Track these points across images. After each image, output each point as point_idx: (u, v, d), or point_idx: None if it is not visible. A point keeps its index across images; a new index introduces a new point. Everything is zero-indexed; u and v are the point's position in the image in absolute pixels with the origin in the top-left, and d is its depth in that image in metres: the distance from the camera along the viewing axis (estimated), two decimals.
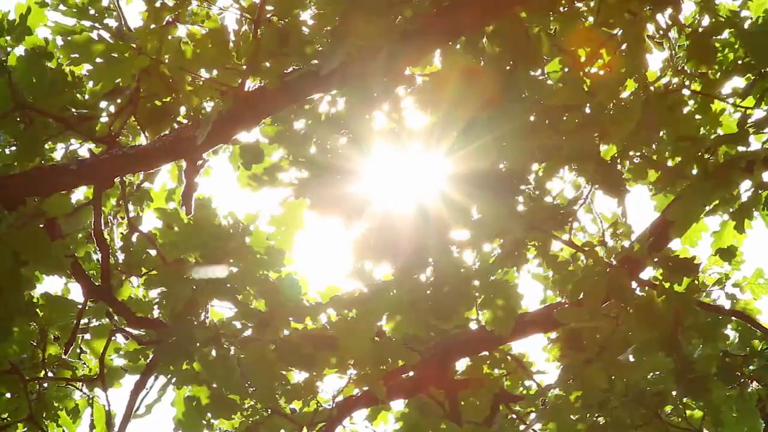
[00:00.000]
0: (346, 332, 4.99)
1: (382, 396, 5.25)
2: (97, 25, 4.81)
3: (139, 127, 5.28)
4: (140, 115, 5.17)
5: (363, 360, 5.14)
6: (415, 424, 5.72)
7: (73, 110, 5.17)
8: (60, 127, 5.11)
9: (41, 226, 4.96)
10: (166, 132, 5.05)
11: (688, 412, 5.18)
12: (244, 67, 4.57)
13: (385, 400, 5.45)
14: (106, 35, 4.78)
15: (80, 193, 5.58)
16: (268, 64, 4.50)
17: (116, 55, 4.79)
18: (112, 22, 4.87)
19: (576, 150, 4.40)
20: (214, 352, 5.19)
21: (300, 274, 5.46)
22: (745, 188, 4.71)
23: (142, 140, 5.30)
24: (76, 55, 4.83)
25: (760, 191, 4.72)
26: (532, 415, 5.49)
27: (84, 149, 5.33)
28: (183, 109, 5.16)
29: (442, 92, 4.28)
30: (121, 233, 5.69)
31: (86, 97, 5.21)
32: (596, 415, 5.02)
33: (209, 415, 5.39)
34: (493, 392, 5.67)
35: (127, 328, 5.58)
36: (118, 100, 5.17)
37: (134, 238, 5.61)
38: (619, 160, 4.57)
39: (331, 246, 5.78)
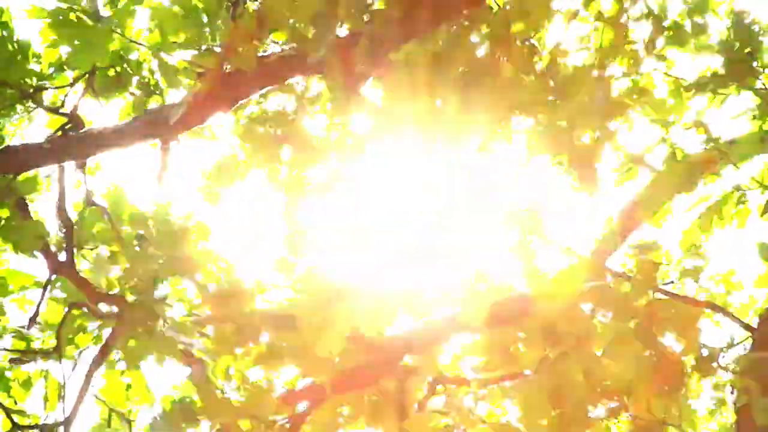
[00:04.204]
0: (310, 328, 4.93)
1: (329, 389, 5.16)
2: (74, 7, 4.81)
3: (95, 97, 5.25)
4: (96, 85, 5.15)
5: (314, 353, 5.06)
6: None
7: (29, 80, 5.11)
8: (15, 96, 5.06)
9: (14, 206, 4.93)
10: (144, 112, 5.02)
11: (661, 404, 5.15)
12: (220, 48, 4.57)
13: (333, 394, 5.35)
14: (83, 17, 4.78)
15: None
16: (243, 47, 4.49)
17: (93, 39, 4.79)
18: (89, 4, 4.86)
19: (551, 139, 4.40)
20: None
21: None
22: (716, 187, 4.76)
23: (96, 108, 5.26)
24: (54, 38, 4.83)
25: (728, 189, 4.76)
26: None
27: (41, 118, 5.29)
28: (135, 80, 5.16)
29: (416, 77, 4.28)
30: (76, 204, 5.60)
31: (43, 68, 5.15)
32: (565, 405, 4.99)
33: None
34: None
35: (88, 303, 5.51)
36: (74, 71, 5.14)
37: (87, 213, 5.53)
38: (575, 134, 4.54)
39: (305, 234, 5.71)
